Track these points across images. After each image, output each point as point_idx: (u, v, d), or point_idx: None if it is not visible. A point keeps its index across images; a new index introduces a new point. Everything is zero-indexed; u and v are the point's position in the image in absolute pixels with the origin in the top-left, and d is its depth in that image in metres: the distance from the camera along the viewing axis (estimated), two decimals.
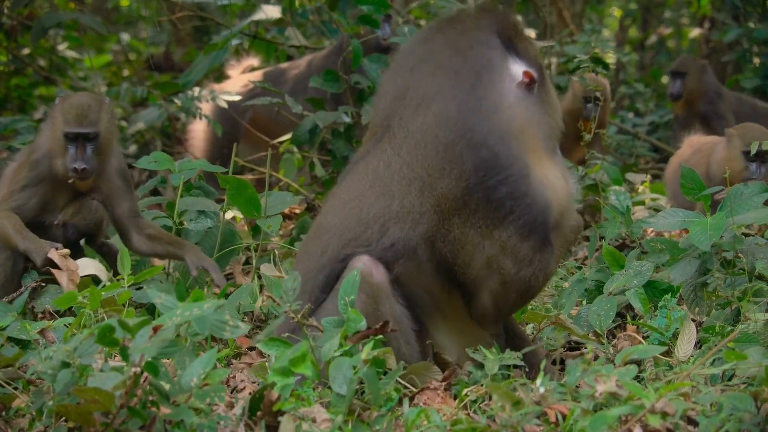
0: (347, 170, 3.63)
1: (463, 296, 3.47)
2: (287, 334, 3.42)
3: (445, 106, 3.36)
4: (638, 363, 3.51)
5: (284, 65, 7.56)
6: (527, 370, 3.54)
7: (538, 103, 3.48)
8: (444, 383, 3.40)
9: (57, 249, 4.49)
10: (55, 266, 4.47)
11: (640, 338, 3.89)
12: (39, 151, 4.68)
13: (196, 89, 6.65)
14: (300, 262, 3.55)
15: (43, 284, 4.51)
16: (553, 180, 3.43)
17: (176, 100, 6.63)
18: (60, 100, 4.73)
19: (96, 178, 4.68)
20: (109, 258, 4.86)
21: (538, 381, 3.13)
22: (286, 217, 6.31)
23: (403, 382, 3.36)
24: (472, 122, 3.33)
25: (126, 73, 10.36)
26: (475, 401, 3.30)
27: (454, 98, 3.36)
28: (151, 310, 4.31)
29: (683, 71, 7.71)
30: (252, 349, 4.11)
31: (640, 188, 6.52)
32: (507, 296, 3.42)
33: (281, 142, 6.53)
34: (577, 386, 3.21)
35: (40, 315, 4.44)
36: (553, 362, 3.81)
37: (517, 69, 3.45)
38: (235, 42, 7.70)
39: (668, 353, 3.70)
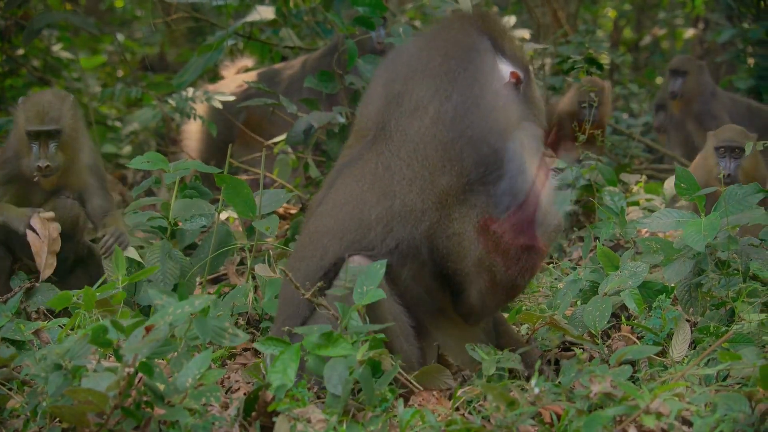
0: (335, 174, 3.64)
1: (451, 293, 3.49)
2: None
3: (442, 107, 3.40)
4: (633, 363, 3.52)
5: (278, 66, 7.56)
6: (525, 374, 3.55)
7: (524, 102, 3.54)
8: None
9: (39, 213, 4.52)
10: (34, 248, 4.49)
11: (634, 339, 3.90)
12: (9, 151, 4.72)
13: (191, 90, 6.64)
14: (296, 268, 3.55)
15: (36, 284, 4.50)
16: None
17: (170, 101, 6.62)
18: (22, 99, 4.75)
19: (66, 175, 4.69)
20: (90, 260, 4.86)
21: (533, 381, 3.13)
22: (281, 217, 6.30)
23: (412, 381, 3.36)
24: (470, 120, 3.37)
25: (120, 73, 10.34)
26: (470, 402, 3.30)
27: (449, 99, 3.40)
28: (146, 312, 4.31)
29: (684, 70, 7.72)
30: (247, 349, 4.11)
31: (635, 189, 6.52)
32: (493, 293, 3.44)
33: (276, 143, 6.52)
34: (571, 387, 3.22)
35: (34, 316, 4.43)
36: (548, 363, 3.82)
37: (505, 69, 3.51)
38: (229, 43, 7.70)
39: (663, 354, 3.71)
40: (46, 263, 4.47)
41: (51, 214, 4.56)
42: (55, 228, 4.54)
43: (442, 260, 3.43)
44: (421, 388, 3.37)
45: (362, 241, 3.43)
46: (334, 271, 3.44)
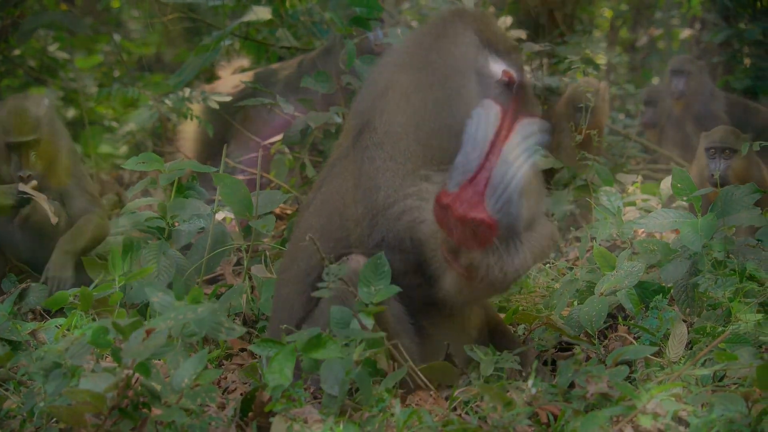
0: (325, 173, 3.64)
1: (431, 281, 3.43)
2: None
3: (423, 98, 3.41)
4: (629, 364, 3.52)
5: (275, 66, 7.55)
6: (521, 372, 3.55)
7: (516, 102, 3.52)
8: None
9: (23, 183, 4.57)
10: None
11: (631, 339, 3.90)
12: None
13: (187, 90, 6.63)
14: (288, 268, 3.54)
15: (32, 284, 4.51)
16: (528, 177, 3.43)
17: (167, 101, 6.62)
18: None
19: (46, 178, 4.68)
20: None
21: (530, 382, 3.14)
22: (278, 217, 6.31)
23: (421, 377, 3.35)
24: (452, 112, 3.37)
25: (117, 73, 10.33)
26: (466, 402, 3.30)
27: (431, 89, 3.41)
28: (142, 311, 4.30)
29: (687, 69, 7.72)
30: (243, 350, 4.10)
31: (631, 189, 6.52)
32: (470, 281, 3.33)
33: (272, 143, 6.52)
34: (568, 387, 3.22)
35: (30, 317, 4.43)
36: (545, 363, 3.82)
37: (497, 68, 3.51)
38: (226, 43, 7.69)
39: (659, 354, 3.71)
40: (50, 214, 4.49)
41: (34, 182, 4.57)
42: (42, 195, 4.56)
43: (422, 248, 3.39)
44: (431, 386, 3.36)
45: (349, 237, 3.43)
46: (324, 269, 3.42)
